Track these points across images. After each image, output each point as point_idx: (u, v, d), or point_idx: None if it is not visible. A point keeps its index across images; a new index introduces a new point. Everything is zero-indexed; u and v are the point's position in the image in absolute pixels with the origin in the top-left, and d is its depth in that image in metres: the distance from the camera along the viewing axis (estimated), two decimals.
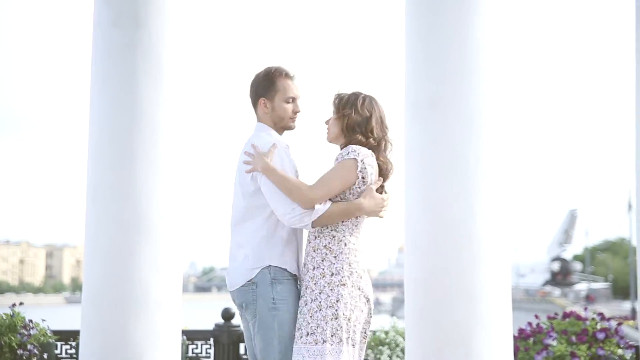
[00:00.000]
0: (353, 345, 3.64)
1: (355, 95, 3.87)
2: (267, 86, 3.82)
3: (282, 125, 3.84)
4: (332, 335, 3.57)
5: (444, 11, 4.42)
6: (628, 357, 5.05)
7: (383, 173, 3.89)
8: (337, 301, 3.60)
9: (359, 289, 3.68)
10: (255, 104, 3.90)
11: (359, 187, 3.76)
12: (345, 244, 3.70)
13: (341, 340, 3.57)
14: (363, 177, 3.75)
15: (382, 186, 3.89)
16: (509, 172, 4.55)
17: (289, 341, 3.58)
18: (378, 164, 3.86)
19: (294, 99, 3.83)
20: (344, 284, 3.63)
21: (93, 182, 4.97)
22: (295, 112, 3.84)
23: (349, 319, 3.61)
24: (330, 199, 3.74)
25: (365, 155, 3.77)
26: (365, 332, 3.77)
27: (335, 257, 3.68)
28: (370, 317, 3.78)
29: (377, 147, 3.88)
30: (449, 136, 4.33)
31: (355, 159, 3.73)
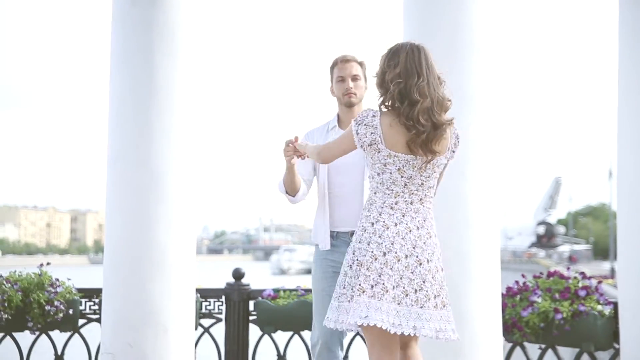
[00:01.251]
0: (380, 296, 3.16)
1: None
2: (330, 74, 4.01)
3: (342, 103, 3.96)
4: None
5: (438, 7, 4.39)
6: (607, 313, 5.05)
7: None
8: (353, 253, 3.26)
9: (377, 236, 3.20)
10: None
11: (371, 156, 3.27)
12: (375, 201, 3.28)
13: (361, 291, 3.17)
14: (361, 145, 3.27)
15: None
16: (498, 142, 4.52)
17: (314, 297, 3.88)
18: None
19: (343, 78, 3.91)
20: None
21: (113, 152, 4.96)
22: (346, 89, 3.90)
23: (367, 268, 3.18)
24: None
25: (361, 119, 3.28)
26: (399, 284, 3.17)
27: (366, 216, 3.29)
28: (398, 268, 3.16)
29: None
30: None
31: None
